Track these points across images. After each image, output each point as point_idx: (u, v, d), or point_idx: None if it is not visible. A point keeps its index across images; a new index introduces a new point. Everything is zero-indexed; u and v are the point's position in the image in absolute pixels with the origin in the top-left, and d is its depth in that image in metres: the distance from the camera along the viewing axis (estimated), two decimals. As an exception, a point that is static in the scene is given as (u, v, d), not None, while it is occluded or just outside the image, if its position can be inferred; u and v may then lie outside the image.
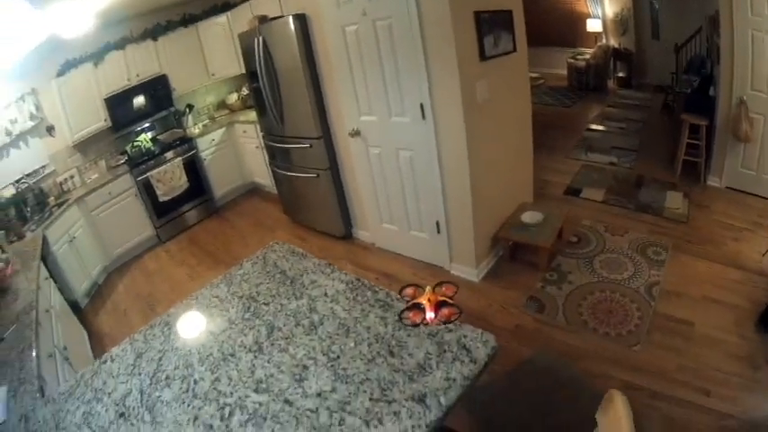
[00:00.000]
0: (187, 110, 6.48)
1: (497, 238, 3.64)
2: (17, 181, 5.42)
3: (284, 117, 4.52)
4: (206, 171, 6.10)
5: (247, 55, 4.66)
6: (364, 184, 4.11)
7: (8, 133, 5.24)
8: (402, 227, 3.92)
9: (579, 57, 9.84)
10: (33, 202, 5.34)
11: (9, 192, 5.31)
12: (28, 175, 5.50)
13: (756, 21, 4.08)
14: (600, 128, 6.90)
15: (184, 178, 5.79)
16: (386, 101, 3.54)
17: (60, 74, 5.50)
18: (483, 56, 3.21)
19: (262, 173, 6.13)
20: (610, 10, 9.83)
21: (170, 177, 5.67)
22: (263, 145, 5.43)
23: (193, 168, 5.93)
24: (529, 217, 3.64)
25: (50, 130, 5.63)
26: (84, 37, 5.05)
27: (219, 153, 6.24)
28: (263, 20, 4.58)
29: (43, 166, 5.61)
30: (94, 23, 4.77)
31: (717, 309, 3.01)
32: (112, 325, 4.37)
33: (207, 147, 6.12)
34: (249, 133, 6.04)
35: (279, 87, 4.40)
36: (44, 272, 3.94)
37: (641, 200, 4.49)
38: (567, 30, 10.71)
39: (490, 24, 3.27)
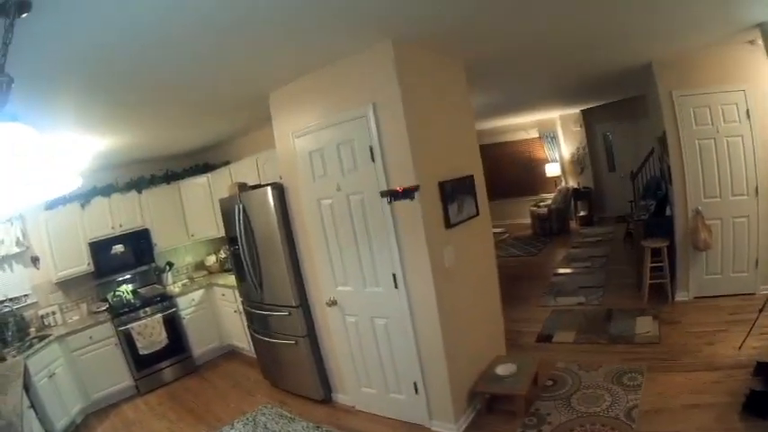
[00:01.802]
0: (167, 267, 6.49)
1: (474, 393, 3.55)
2: (0, 302, 5.27)
3: (263, 284, 4.54)
4: (185, 329, 5.94)
5: (227, 220, 4.78)
6: (342, 351, 4.03)
7: None
8: (381, 390, 3.80)
9: (541, 204, 10.33)
10: (14, 329, 5.18)
11: None
12: (11, 300, 5.36)
13: (701, 130, 4.54)
14: (566, 271, 7.06)
15: (164, 334, 5.62)
16: (360, 271, 3.63)
17: (48, 207, 5.55)
18: (448, 224, 3.36)
19: (240, 336, 5.95)
20: (566, 151, 10.56)
21: (150, 332, 5.52)
22: (241, 309, 5.36)
23: (173, 325, 5.78)
24: (503, 369, 3.59)
25: (36, 261, 5.58)
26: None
27: (199, 313, 6.12)
28: (243, 187, 4.77)
29: (26, 295, 5.53)
30: (76, 169, 4.87)
31: (698, 413, 3.03)
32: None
33: (187, 306, 6.02)
34: (228, 297, 5.97)
35: (258, 255, 4.47)
36: (26, 400, 3.71)
37: (612, 332, 4.51)
38: (528, 178, 11.41)
39: (454, 192, 3.47)
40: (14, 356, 4.59)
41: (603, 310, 5.14)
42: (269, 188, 4.18)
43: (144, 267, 6.16)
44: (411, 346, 3.42)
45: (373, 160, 3.25)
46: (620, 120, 9.60)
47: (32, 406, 3.92)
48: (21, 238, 5.43)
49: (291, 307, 4.27)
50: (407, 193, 3.13)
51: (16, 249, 5.39)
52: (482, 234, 3.99)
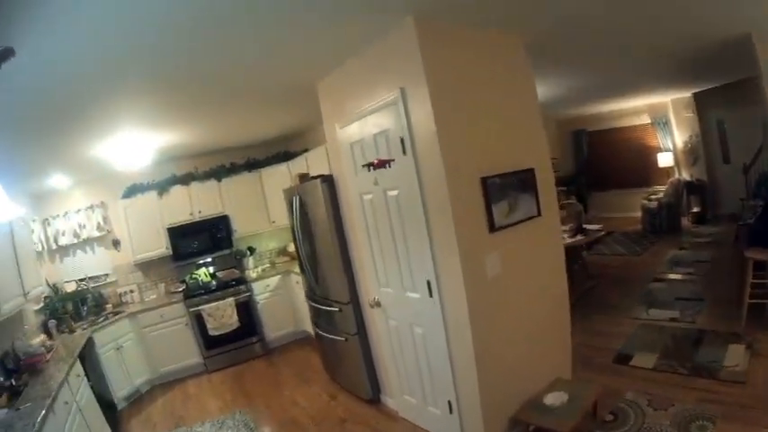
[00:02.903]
0: (248, 252, 6.59)
1: (516, 420, 3.03)
2: (80, 280, 5.74)
3: (318, 277, 4.37)
4: (259, 314, 6.01)
5: (289, 211, 4.66)
6: (386, 354, 3.73)
7: (76, 235, 5.73)
8: (419, 401, 3.44)
9: (653, 197, 9.02)
10: (92, 304, 5.69)
11: (71, 287, 5.62)
12: (91, 278, 5.85)
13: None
14: (667, 276, 6.04)
15: (236, 317, 5.72)
16: (399, 274, 3.27)
17: (126, 196, 5.89)
18: (493, 227, 2.87)
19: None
20: (679, 139, 9.21)
21: (221, 314, 5.64)
22: (308, 299, 5.28)
23: (246, 309, 5.87)
24: (552, 398, 3.02)
25: (116, 244, 6.00)
26: (152, 165, 5.43)
27: (274, 299, 6.13)
28: (303, 178, 4.61)
29: (106, 274, 6.01)
30: (153, 159, 5.12)
31: None
32: (139, 433, 4.35)
33: (262, 291, 6.07)
34: (302, 284, 5.90)
35: (314, 247, 4.30)
36: (79, 369, 4.04)
37: (697, 361, 3.68)
38: (640, 168, 10.10)
39: (502, 190, 2.96)
40: (84, 329, 4.95)
41: (695, 330, 4.25)
42: (319, 180, 3.96)
43: (224, 252, 6.32)
44: (445, 362, 3.01)
45: (404, 152, 2.86)
46: (735, 104, 7.95)
47: (86, 374, 4.14)
48: (102, 223, 5.81)
49: (342, 303, 4.05)
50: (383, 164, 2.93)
51: (97, 233, 5.78)
52: (546, 237, 3.37)
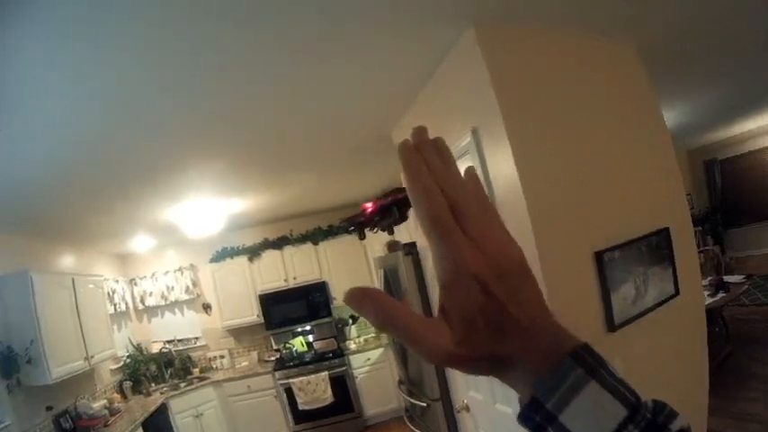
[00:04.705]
0: (350, 321, 6.07)
1: None
2: (168, 341, 5.58)
3: (408, 362, 3.68)
4: (356, 389, 5.39)
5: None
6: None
7: (164, 297, 5.64)
8: None
9: None
10: (178, 366, 5.50)
11: (156, 347, 5.46)
12: (180, 341, 5.69)
13: None
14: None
15: (329, 392, 5.18)
16: (489, 379, 2.44)
17: (215, 260, 5.69)
18: (612, 325, 1.99)
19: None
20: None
21: (313, 389, 5.14)
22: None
23: (342, 384, 5.29)
24: None
25: (207, 308, 5.83)
26: (242, 229, 5.36)
27: (375, 373, 5.47)
28: (393, 246, 3.99)
29: (196, 338, 5.81)
30: (241, 223, 4.89)
31: None
32: None
33: (361, 365, 5.47)
34: (400, 366, 5.28)
35: None
36: None
37: None
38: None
39: (625, 266, 2.08)
40: (162, 393, 4.74)
41: None
42: (401, 252, 3.33)
43: (324, 320, 5.85)
44: None
45: None
46: None
47: None
48: (191, 286, 5.69)
49: (431, 399, 3.28)
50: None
51: (186, 296, 5.66)
52: (685, 324, 2.34)
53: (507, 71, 1.93)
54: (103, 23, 1.44)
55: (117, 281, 5.46)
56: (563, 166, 1.98)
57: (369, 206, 4.11)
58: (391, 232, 4.19)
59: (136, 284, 5.81)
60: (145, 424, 4.08)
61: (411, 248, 3.30)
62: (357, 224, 4.72)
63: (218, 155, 3.02)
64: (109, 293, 5.09)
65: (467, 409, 2.76)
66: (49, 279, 3.80)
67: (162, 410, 4.54)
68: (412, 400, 3.62)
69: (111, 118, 2.12)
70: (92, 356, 4.07)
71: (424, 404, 3.36)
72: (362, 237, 5.15)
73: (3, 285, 3.57)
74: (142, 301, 5.78)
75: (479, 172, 2.05)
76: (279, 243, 5.82)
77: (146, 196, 3.57)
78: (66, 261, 4.66)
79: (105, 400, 4.40)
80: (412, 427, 3.74)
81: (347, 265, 5.88)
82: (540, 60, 2.06)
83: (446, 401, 3.19)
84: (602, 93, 2.24)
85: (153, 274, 5.85)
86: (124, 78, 1.79)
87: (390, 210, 3.72)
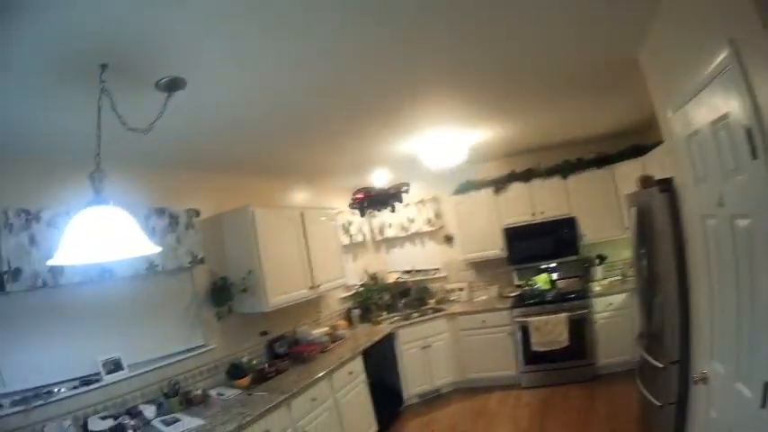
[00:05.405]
0: (597, 261, 5.55)
1: None
2: (406, 272, 5.89)
3: (651, 315, 3.17)
4: (594, 334, 4.97)
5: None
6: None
7: (404, 229, 5.86)
8: None
9: None
10: (414, 297, 5.65)
11: (392, 277, 5.85)
12: (419, 271, 5.94)
13: None
14: None
15: (566, 335, 4.89)
16: (735, 350, 1.88)
17: (458, 192, 5.67)
18: None
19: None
20: None
21: (550, 330, 4.92)
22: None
23: (580, 327, 4.93)
24: None
25: (449, 240, 5.91)
26: (487, 161, 5.30)
27: (615, 320, 4.94)
28: (646, 182, 3.40)
29: (436, 269, 5.97)
30: (485, 156, 4.96)
31: None
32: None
33: (603, 309, 4.99)
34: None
35: (650, 277, 3.12)
36: (356, 366, 4.13)
37: None
38: None
39: None
40: (391, 323, 4.98)
41: None
42: (656, 188, 2.80)
43: (569, 258, 5.46)
44: None
45: (754, 155, 1.52)
46: None
47: (366, 368, 4.21)
48: (433, 218, 5.78)
49: (668, 360, 2.77)
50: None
51: (427, 228, 5.77)
52: None
53: None
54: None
55: (354, 213, 5.74)
56: None
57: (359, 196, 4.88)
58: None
59: (374, 216, 6.11)
60: (365, 353, 4.25)
61: (667, 185, 2.70)
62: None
63: (459, 87, 2.92)
64: (345, 225, 5.48)
65: (704, 380, 2.22)
66: (272, 213, 3.99)
67: (388, 340, 4.77)
68: (648, 358, 3.13)
69: (341, 65, 2.21)
70: (318, 285, 4.31)
71: (660, 365, 2.85)
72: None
73: (226, 221, 3.88)
74: (381, 233, 6.12)
75: (746, 95, 1.47)
76: (526, 176, 5.53)
77: (381, 133, 3.67)
78: (300, 197, 5.04)
79: (328, 327, 4.63)
80: (641, 386, 3.27)
81: (596, 201, 5.30)
82: None
83: (683, 367, 2.65)
84: None
85: (393, 207, 6.15)
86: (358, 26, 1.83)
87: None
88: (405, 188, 4.96)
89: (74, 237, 1.58)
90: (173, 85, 1.99)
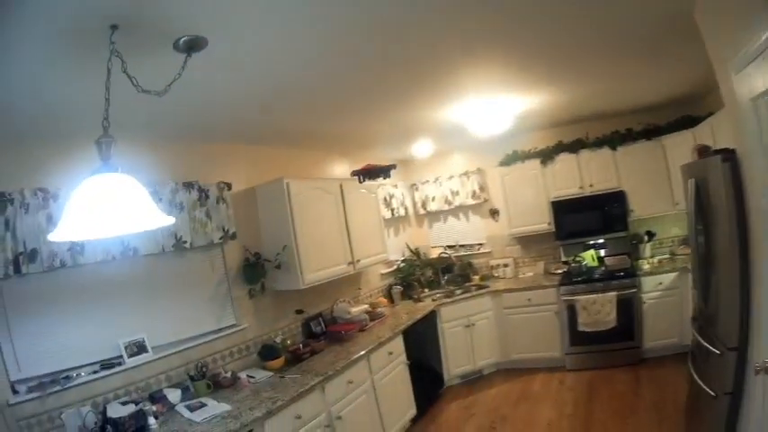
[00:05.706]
0: (646, 238, 5.23)
1: None
2: (449, 246, 5.70)
3: (708, 296, 2.91)
4: (641, 315, 4.70)
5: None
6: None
7: (447, 202, 5.68)
8: None
9: None
10: (457, 273, 5.50)
11: (435, 252, 5.68)
12: (462, 246, 5.74)
13: None
14: None
15: (614, 315, 4.64)
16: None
17: (504, 163, 5.44)
18: None
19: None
20: None
21: (598, 309, 4.68)
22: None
23: (628, 307, 4.67)
24: None
25: (494, 213, 5.70)
26: (535, 131, 5.10)
27: (664, 300, 4.66)
28: (704, 152, 3.13)
29: (480, 244, 5.76)
30: (532, 125, 4.75)
31: None
32: (450, 418, 4.18)
33: (652, 288, 4.70)
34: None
35: (708, 254, 2.86)
36: (397, 346, 3.97)
37: None
38: None
39: None
40: (433, 300, 4.80)
41: None
42: (719, 157, 2.52)
43: (617, 234, 5.17)
44: None
45: None
46: None
47: (405, 344, 4.07)
48: (477, 191, 5.53)
49: (726, 347, 2.54)
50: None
51: (472, 201, 5.54)
52: None
53: None
54: None
55: (395, 186, 5.60)
56: None
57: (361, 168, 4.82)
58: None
59: (417, 189, 5.93)
60: (406, 331, 4.07)
61: (729, 154, 2.44)
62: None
63: (514, 47, 2.71)
64: (386, 198, 5.29)
65: (766, 371, 2.01)
66: (308, 185, 3.80)
67: (430, 318, 4.61)
68: (703, 342, 2.90)
69: (390, 28, 2.09)
70: (357, 261, 4.13)
71: (717, 351, 2.63)
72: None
73: (260, 194, 3.72)
74: (423, 206, 5.90)
75: None
76: (574, 146, 5.22)
77: (427, 100, 3.48)
78: (339, 169, 4.86)
79: (367, 305, 4.46)
80: (693, 372, 3.04)
81: (645, 175, 4.98)
82: None
83: (742, 354, 2.42)
84: None
85: (436, 179, 5.87)
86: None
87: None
88: (393, 167, 4.94)
89: (77, 209, 1.42)
90: (193, 45, 1.80)
